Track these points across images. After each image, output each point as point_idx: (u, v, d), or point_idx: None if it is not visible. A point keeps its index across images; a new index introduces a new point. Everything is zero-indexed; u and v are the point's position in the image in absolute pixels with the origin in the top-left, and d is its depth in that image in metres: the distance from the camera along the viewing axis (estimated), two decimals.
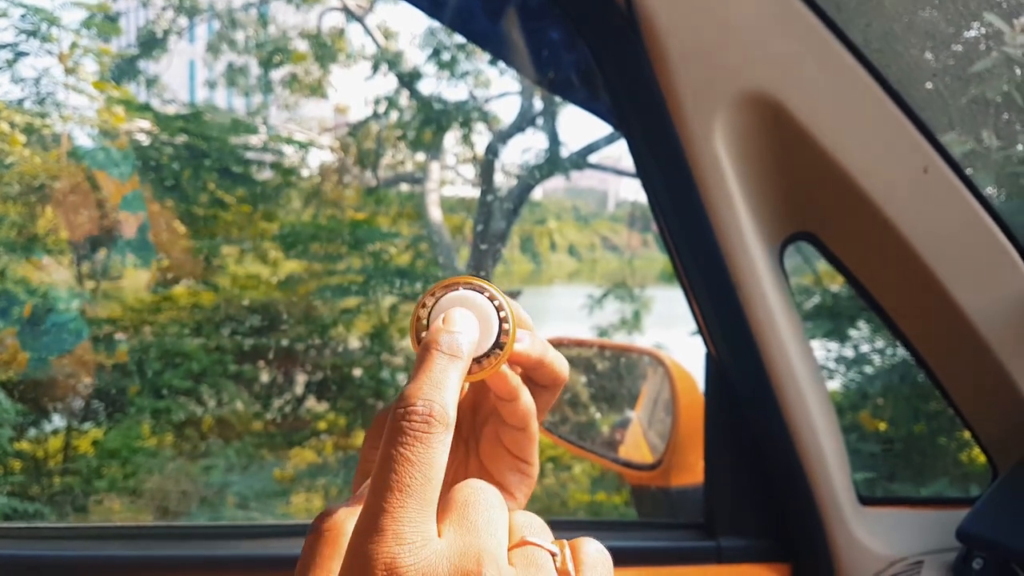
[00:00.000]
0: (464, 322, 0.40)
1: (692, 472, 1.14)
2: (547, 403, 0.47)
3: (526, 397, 0.45)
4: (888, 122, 0.82)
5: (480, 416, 0.49)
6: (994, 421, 0.94)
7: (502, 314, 0.42)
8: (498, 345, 0.42)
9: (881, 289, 0.91)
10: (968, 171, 0.84)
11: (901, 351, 3.24)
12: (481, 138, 4.88)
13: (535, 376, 0.46)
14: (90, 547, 0.89)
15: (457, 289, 0.42)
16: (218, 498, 3.18)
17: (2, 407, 2.87)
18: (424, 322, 0.41)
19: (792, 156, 0.83)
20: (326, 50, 4.88)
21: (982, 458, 0.99)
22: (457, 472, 0.49)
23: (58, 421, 3.36)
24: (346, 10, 4.97)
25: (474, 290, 0.42)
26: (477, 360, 0.42)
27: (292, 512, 3.41)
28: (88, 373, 3.33)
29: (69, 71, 3.45)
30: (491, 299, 0.42)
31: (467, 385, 0.45)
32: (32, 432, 3.27)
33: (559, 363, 0.46)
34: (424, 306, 0.42)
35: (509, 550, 0.34)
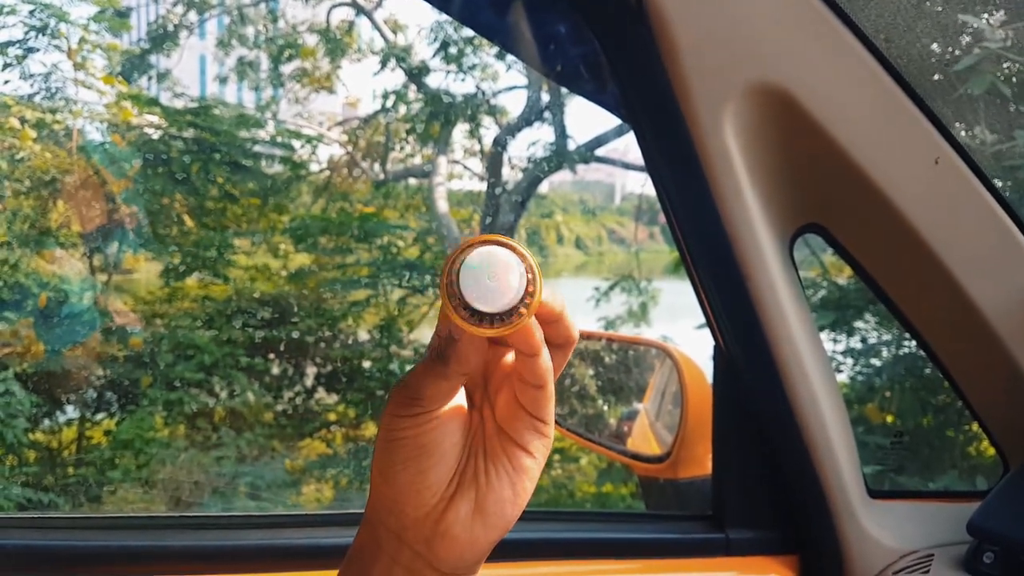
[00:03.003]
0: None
1: (700, 464, 1.14)
2: (560, 363, 0.48)
3: (546, 353, 0.46)
4: (899, 113, 0.81)
5: (493, 384, 0.50)
6: (1005, 414, 0.94)
7: (527, 268, 0.44)
8: (525, 299, 0.43)
9: (891, 281, 0.91)
10: None
11: (907, 343, 3.23)
12: (489, 131, 4.88)
13: (551, 333, 0.47)
14: (103, 537, 0.90)
15: (487, 245, 0.44)
16: (230, 488, 3.20)
17: (16, 398, 2.89)
18: (455, 275, 0.43)
19: (802, 147, 0.83)
20: (335, 44, 4.88)
21: (991, 451, 0.98)
22: (475, 438, 0.50)
23: (72, 412, 3.38)
24: (355, 4, 4.97)
25: (501, 246, 0.44)
26: (506, 315, 0.43)
27: (303, 502, 3.43)
28: (102, 364, 3.36)
29: (78, 67, 3.46)
30: (517, 254, 0.44)
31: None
32: (46, 423, 3.30)
33: (573, 322, 0.47)
34: (452, 267, 0.43)
35: None
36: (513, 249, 0.44)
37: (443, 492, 0.48)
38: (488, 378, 0.50)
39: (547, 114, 4.63)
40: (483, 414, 0.50)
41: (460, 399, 0.49)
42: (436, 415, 0.47)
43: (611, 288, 4.60)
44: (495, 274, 0.43)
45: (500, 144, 4.77)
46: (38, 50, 3.45)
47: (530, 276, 0.44)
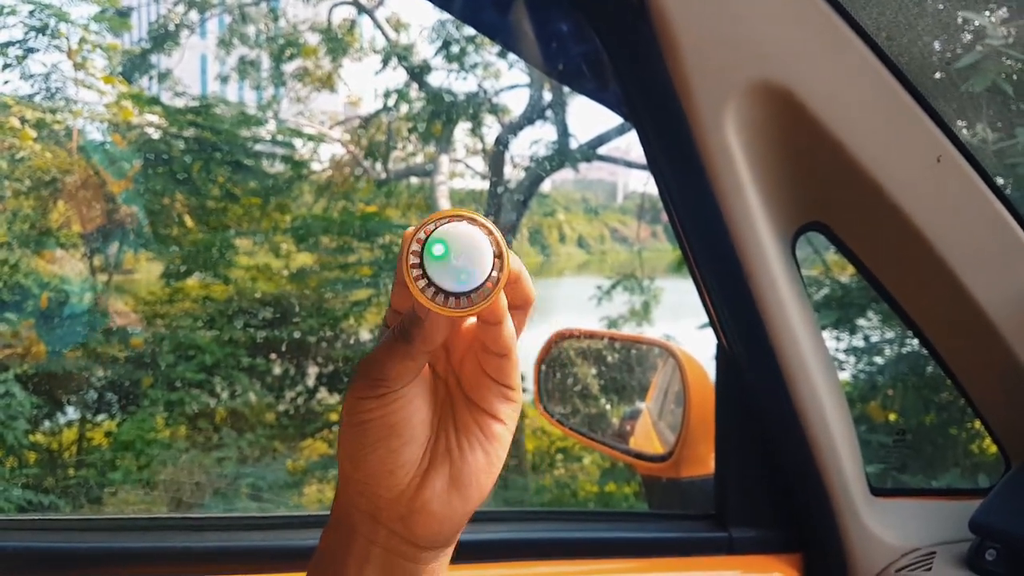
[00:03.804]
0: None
1: (703, 463, 1.14)
2: (520, 325, 0.48)
3: (510, 322, 0.45)
4: (901, 111, 0.81)
5: (455, 354, 0.49)
6: (1007, 412, 0.93)
7: (492, 242, 0.42)
8: (492, 277, 0.42)
9: (893, 279, 0.90)
10: None
11: (909, 341, 3.23)
12: (491, 130, 4.88)
13: (510, 295, 0.46)
14: (104, 538, 0.90)
15: (451, 221, 0.42)
16: (232, 489, 3.20)
17: (17, 400, 2.89)
18: (419, 254, 0.42)
19: (804, 146, 0.82)
20: (337, 43, 4.88)
21: (993, 448, 0.98)
22: (443, 408, 0.49)
23: (72, 413, 3.39)
24: (356, 3, 4.97)
25: (467, 222, 0.42)
26: (474, 292, 0.42)
27: (305, 503, 3.43)
28: (102, 365, 3.36)
29: (78, 67, 3.47)
30: (482, 228, 0.42)
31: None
32: (47, 424, 3.30)
33: (530, 282, 0.46)
34: (419, 239, 0.42)
35: None
36: (479, 224, 0.42)
37: (416, 470, 0.47)
38: (450, 348, 0.49)
39: (549, 112, 4.63)
40: (449, 385, 0.49)
41: (424, 375, 0.48)
42: (402, 394, 0.46)
43: (613, 287, 4.60)
44: (462, 253, 0.41)
45: (502, 143, 4.77)
46: (38, 50, 3.45)
47: (497, 252, 0.42)
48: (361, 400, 0.45)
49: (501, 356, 0.46)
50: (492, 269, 0.42)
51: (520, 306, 0.47)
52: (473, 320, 0.47)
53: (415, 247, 0.42)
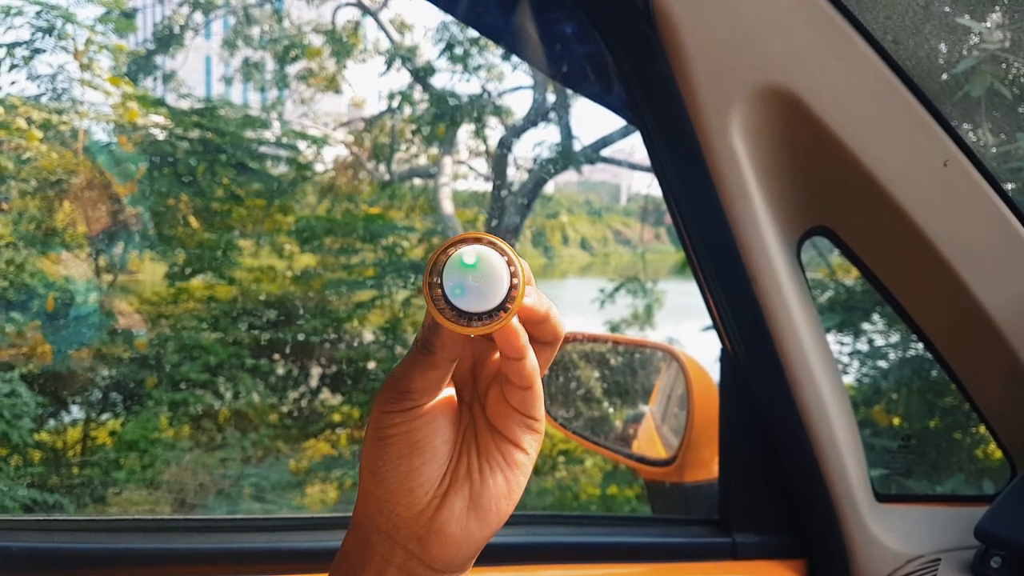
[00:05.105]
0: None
1: (707, 468, 1.13)
2: (547, 360, 0.48)
3: (532, 356, 0.46)
4: (907, 115, 0.81)
5: (482, 381, 0.50)
6: (1012, 417, 0.93)
7: (512, 269, 0.43)
8: (508, 300, 0.43)
9: (899, 284, 0.90)
10: None
11: (914, 346, 3.22)
12: (494, 132, 4.88)
13: (538, 332, 0.46)
14: (108, 539, 0.90)
15: (469, 244, 0.43)
16: (235, 490, 3.21)
17: (22, 399, 2.90)
18: (439, 274, 0.43)
19: (809, 150, 0.82)
20: (341, 45, 4.89)
21: (998, 454, 0.98)
22: (466, 434, 0.49)
23: (77, 412, 3.40)
24: (360, 5, 4.97)
25: (485, 246, 0.43)
26: (488, 314, 0.42)
27: (308, 504, 3.43)
28: (107, 365, 3.37)
29: (84, 67, 3.48)
30: (502, 254, 0.43)
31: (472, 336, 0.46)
32: (51, 423, 3.31)
33: (559, 320, 0.47)
34: (436, 264, 0.43)
35: None
36: (499, 248, 0.43)
37: (435, 490, 0.47)
38: (477, 374, 0.50)
39: (553, 115, 4.63)
40: (473, 411, 0.50)
41: (449, 396, 0.49)
42: (426, 410, 0.46)
43: (616, 289, 4.59)
44: (479, 274, 0.42)
45: (506, 145, 4.77)
46: (45, 51, 3.47)
47: (515, 276, 0.43)
48: (386, 414, 0.46)
49: (524, 389, 0.47)
50: (509, 292, 0.43)
51: (548, 342, 0.48)
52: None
53: (436, 266, 0.43)
